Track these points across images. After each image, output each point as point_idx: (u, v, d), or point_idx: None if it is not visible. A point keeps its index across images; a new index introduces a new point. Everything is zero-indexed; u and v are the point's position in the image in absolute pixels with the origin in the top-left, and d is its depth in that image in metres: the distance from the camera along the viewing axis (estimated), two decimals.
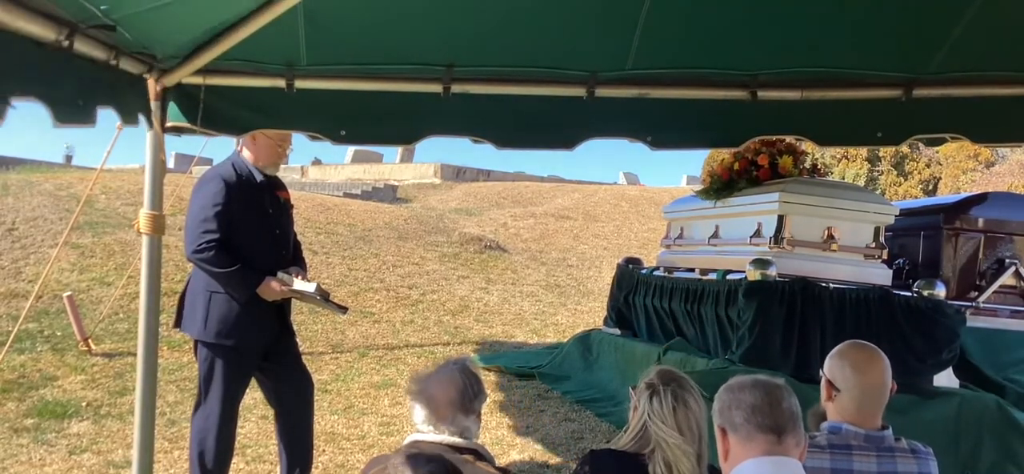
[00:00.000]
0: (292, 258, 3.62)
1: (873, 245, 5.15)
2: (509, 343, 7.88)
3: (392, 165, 22.39)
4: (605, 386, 5.90)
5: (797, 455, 1.65)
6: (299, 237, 3.81)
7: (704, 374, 4.39)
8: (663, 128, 3.12)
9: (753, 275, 4.69)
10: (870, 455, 2.03)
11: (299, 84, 2.87)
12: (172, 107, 2.81)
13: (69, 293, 6.44)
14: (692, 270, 5.82)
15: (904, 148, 16.37)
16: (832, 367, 2.15)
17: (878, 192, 18.01)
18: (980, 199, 5.92)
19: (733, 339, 4.80)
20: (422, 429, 2.04)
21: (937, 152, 21.12)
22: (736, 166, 5.63)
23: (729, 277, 5.04)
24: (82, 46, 2.02)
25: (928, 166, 22.35)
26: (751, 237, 5.19)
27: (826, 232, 5.06)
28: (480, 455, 2.01)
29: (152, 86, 2.69)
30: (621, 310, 6.65)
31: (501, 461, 4.37)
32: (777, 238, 4.99)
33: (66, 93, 1.97)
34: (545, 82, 2.99)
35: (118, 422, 4.82)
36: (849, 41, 2.92)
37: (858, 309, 4.66)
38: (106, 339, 6.34)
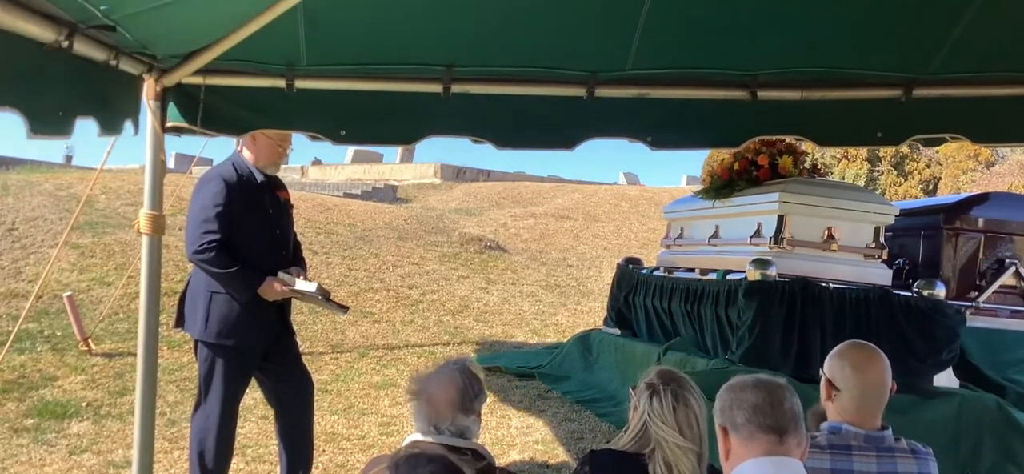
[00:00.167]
0: (292, 258, 3.62)
1: (873, 245, 5.15)
2: (509, 343, 7.89)
3: (392, 165, 22.39)
4: (605, 386, 5.90)
5: (799, 455, 1.65)
6: (299, 237, 3.81)
7: (704, 374, 4.39)
8: (663, 128, 3.12)
9: (753, 275, 4.69)
10: (870, 455, 2.03)
11: (299, 84, 2.87)
12: (172, 107, 2.81)
13: (69, 293, 6.44)
14: (692, 270, 5.82)
15: (904, 148, 16.34)
16: (832, 367, 2.15)
17: (878, 192, 18.01)
18: (980, 199, 5.92)
19: (733, 339, 4.80)
20: (422, 429, 2.04)
21: (937, 152, 21.11)
22: (736, 166, 5.63)
23: (729, 277, 5.04)
24: (82, 47, 2.02)
25: (928, 166, 22.34)
26: (751, 237, 5.20)
27: (826, 232, 5.06)
28: (480, 455, 2.01)
29: (152, 86, 2.69)
30: (621, 310, 6.65)
31: (501, 461, 4.37)
32: (777, 238, 4.99)
33: (47, 104, 1.94)
34: (545, 82, 2.99)
35: (118, 422, 4.82)
36: (849, 41, 2.92)
37: (858, 309, 4.66)
38: (106, 339, 6.34)
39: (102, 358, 5.96)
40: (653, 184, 23.55)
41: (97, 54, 2.16)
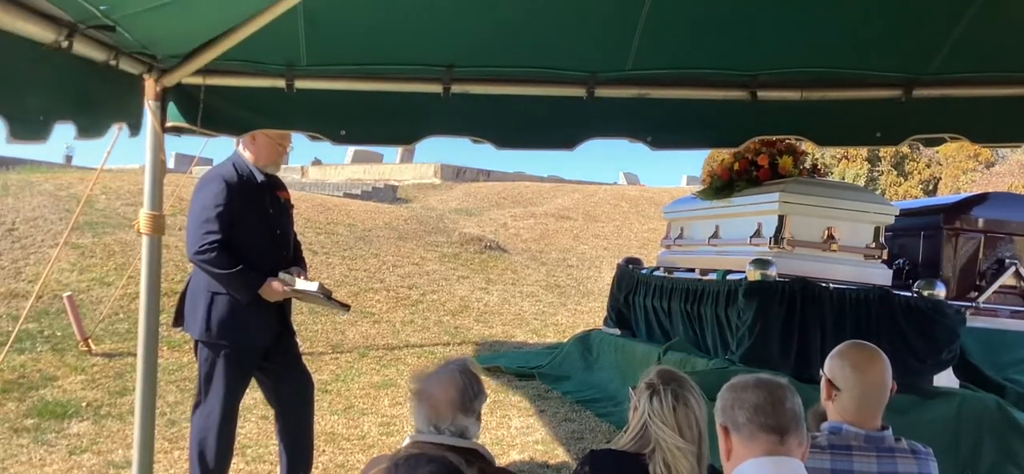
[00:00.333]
0: (293, 258, 3.62)
1: (873, 245, 5.15)
2: (509, 343, 7.89)
3: (392, 165, 22.38)
4: (605, 386, 5.90)
5: (800, 455, 1.65)
6: (299, 237, 3.81)
7: (704, 374, 4.39)
8: (663, 128, 3.12)
9: (753, 275, 4.69)
10: (870, 455, 2.03)
11: (299, 84, 2.87)
12: (172, 107, 2.81)
13: (69, 293, 6.44)
14: (692, 270, 5.82)
15: (904, 148, 16.34)
16: (832, 367, 2.15)
17: (878, 192, 18.01)
18: (980, 199, 5.93)
19: (733, 339, 4.80)
20: (422, 429, 2.04)
21: (937, 152, 21.11)
22: (736, 166, 5.63)
23: (729, 277, 5.04)
24: (81, 47, 2.01)
25: (928, 166, 22.34)
26: (751, 237, 5.20)
27: (826, 232, 5.06)
28: (480, 455, 2.01)
29: (152, 86, 2.69)
30: (621, 310, 6.65)
31: (501, 461, 4.37)
32: (777, 238, 5.00)
33: (28, 108, 1.91)
34: (545, 82, 2.99)
35: (118, 422, 4.82)
36: (849, 41, 2.91)
37: (858, 309, 4.67)
38: (106, 339, 6.34)
39: (102, 358, 5.96)
40: (653, 184, 23.58)
41: (97, 54, 2.16)
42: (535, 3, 2.73)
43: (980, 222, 5.67)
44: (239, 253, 3.31)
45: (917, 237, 5.84)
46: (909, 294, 4.83)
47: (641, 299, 6.24)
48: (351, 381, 6.07)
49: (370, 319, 7.99)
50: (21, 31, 1.73)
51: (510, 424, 5.25)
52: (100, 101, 2.38)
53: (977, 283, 5.63)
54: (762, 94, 3.04)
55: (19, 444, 4.40)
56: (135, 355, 2.96)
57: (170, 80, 2.69)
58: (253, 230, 3.39)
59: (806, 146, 5.40)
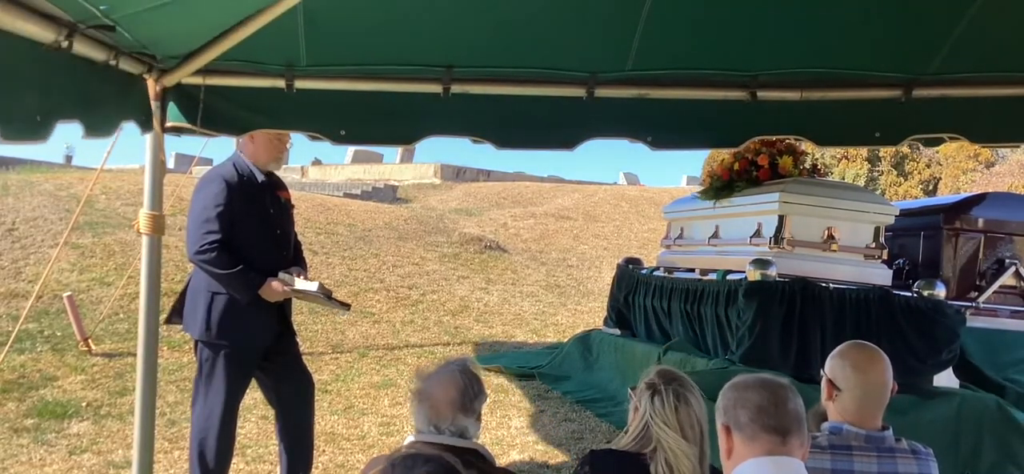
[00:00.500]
0: (293, 258, 3.62)
1: (873, 245, 5.15)
2: (509, 343, 7.88)
3: (392, 165, 22.38)
4: (605, 386, 5.90)
5: (800, 456, 1.65)
6: (299, 237, 3.81)
7: (704, 374, 4.39)
8: (663, 128, 3.12)
9: (753, 275, 4.69)
10: (871, 456, 2.03)
11: (299, 84, 2.87)
12: (172, 107, 2.81)
13: (69, 293, 6.44)
14: (692, 270, 5.82)
15: (904, 148, 16.34)
16: (833, 367, 2.15)
17: (878, 192, 18.01)
18: (980, 199, 5.92)
19: (733, 339, 4.80)
20: (422, 429, 2.04)
21: (937, 152, 21.11)
22: (736, 166, 5.63)
23: (729, 277, 5.04)
24: (81, 47, 2.01)
25: (928, 166, 22.34)
26: (751, 237, 5.20)
27: (826, 232, 5.06)
28: (480, 455, 2.01)
29: (152, 86, 2.69)
30: (621, 310, 6.65)
31: (501, 461, 4.37)
32: (777, 238, 4.99)
33: (22, 107, 1.89)
34: (545, 82, 2.99)
35: (118, 422, 4.82)
36: (849, 41, 2.92)
37: (858, 309, 4.66)
38: (106, 339, 6.34)
39: (102, 358, 5.96)
40: (653, 184, 23.59)
41: (97, 54, 2.16)
42: (535, 3, 2.73)
43: (980, 222, 5.67)
44: (239, 253, 3.30)
45: (917, 237, 5.84)
46: (909, 294, 4.83)
47: (641, 299, 6.24)
48: (351, 381, 6.07)
49: (370, 319, 7.99)
50: (21, 31, 1.73)
51: (510, 424, 5.26)
52: (107, 100, 2.39)
53: (977, 283, 5.63)
54: (762, 94, 3.04)
55: (19, 444, 4.40)
56: (135, 355, 2.96)
57: (170, 80, 2.69)
58: (253, 230, 3.39)
59: (806, 146, 5.40)
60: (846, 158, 21.68)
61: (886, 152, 21.47)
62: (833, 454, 2.03)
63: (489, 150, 3.28)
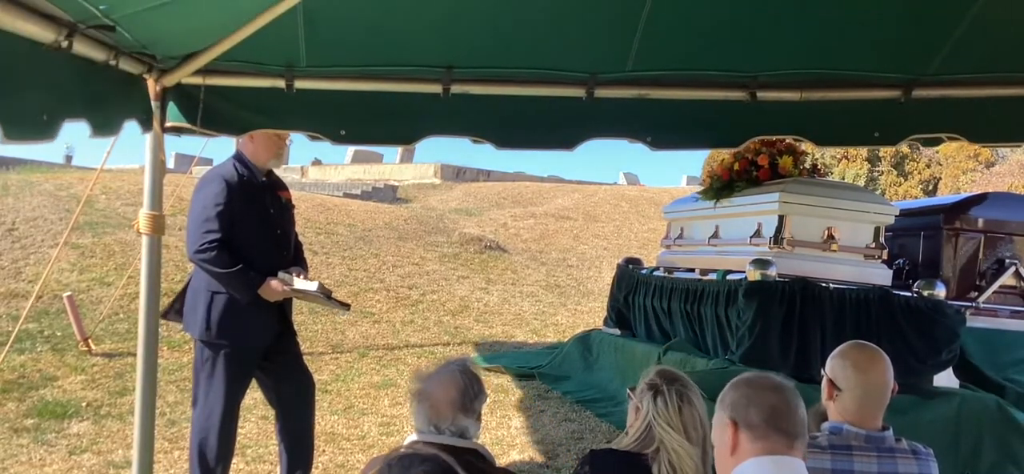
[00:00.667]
0: (293, 258, 3.62)
1: (873, 245, 5.15)
2: (509, 343, 7.88)
3: (392, 165, 22.38)
4: (605, 386, 5.90)
5: (800, 457, 1.66)
6: (299, 237, 3.81)
7: (704, 374, 4.39)
8: (663, 128, 3.12)
9: (753, 275, 4.69)
10: (871, 456, 2.03)
11: (299, 84, 2.87)
12: (172, 107, 2.81)
13: (69, 293, 6.44)
14: (692, 270, 5.82)
15: (904, 148, 16.33)
16: (834, 367, 2.15)
17: (878, 192, 18.01)
18: (980, 199, 5.92)
19: (733, 339, 4.79)
20: (422, 429, 2.03)
21: (937, 152, 21.10)
22: (736, 166, 5.63)
23: (729, 277, 5.03)
24: (81, 47, 2.01)
25: (928, 166, 22.34)
26: (751, 237, 5.19)
27: (826, 232, 5.06)
28: (480, 455, 2.01)
29: (152, 86, 2.69)
30: (621, 310, 6.65)
31: (501, 461, 4.37)
32: (777, 238, 4.99)
33: (26, 107, 1.89)
34: (545, 82, 2.99)
35: (118, 422, 4.82)
36: (849, 42, 2.91)
37: (858, 309, 4.66)
38: (106, 339, 6.34)
39: (102, 358, 5.95)
40: (653, 184, 23.58)
41: (97, 54, 2.16)
42: (535, 4, 2.73)
43: (980, 222, 5.67)
44: (239, 253, 3.30)
45: (917, 237, 5.84)
46: (909, 294, 4.83)
47: (641, 299, 6.24)
48: (351, 381, 6.07)
49: (370, 319, 7.99)
50: (21, 31, 1.73)
51: (510, 424, 5.25)
52: (112, 98, 2.39)
53: (977, 283, 5.63)
54: (762, 94, 3.04)
55: (19, 444, 4.40)
56: (135, 355, 2.96)
57: (170, 80, 2.70)
58: (253, 230, 3.39)
59: (806, 146, 5.40)
60: (846, 158, 21.67)
61: (886, 152, 21.46)
62: (833, 454, 2.03)
63: (489, 150, 3.29)
